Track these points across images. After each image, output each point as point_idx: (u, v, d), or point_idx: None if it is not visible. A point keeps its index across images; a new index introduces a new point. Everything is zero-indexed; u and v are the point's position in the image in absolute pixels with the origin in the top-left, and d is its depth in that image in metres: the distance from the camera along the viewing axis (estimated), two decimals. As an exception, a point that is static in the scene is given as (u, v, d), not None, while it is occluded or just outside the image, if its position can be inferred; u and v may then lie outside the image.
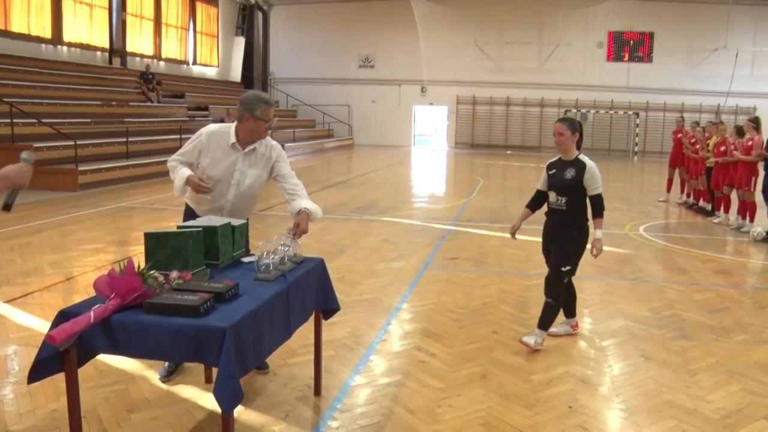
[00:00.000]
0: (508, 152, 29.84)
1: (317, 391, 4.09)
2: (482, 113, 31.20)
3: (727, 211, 11.15)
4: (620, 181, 19.54)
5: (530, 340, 4.91)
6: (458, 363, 4.66)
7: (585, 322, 5.72)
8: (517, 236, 5.43)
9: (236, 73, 31.54)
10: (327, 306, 4.04)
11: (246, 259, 3.79)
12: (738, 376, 4.53)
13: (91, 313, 2.68)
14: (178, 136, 18.95)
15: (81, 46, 21.13)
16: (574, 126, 4.92)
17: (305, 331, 4.59)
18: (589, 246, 4.95)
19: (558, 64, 29.79)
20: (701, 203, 12.64)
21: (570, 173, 4.89)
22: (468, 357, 4.78)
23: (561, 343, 5.11)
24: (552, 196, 5.04)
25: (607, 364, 4.75)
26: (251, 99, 4.10)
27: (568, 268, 4.93)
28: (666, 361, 4.78)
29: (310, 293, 3.75)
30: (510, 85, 30.34)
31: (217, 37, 29.96)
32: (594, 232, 4.90)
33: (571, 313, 5.34)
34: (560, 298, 4.98)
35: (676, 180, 14.02)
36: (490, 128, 31.06)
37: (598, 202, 4.89)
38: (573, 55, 29.52)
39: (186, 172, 4.12)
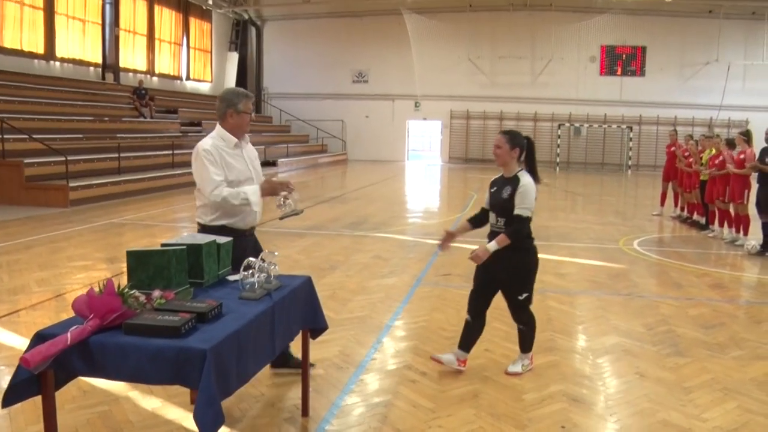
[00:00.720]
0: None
1: (305, 411, 4.00)
2: (476, 128, 31.25)
3: (722, 224, 11.12)
4: (614, 195, 19.56)
5: (516, 368, 4.75)
6: (449, 382, 4.59)
7: (578, 339, 5.65)
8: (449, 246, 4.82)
9: (230, 89, 31.57)
10: (314, 325, 3.97)
11: (232, 278, 3.72)
12: (734, 394, 4.46)
13: (68, 335, 2.61)
14: (170, 152, 18.93)
15: (74, 61, 21.15)
16: (515, 140, 4.50)
17: (293, 351, 4.53)
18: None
19: (551, 78, 29.90)
20: (695, 217, 12.61)
21: (507, 192, 4.45)
22: (459, 376, 4.70)
23: (554, 362, 5.04)
24: (492, 217, 4.61)
25: (601, 382, 4.68)
26: (231, 95, 4.22)
27: (525, 295, 4.61)
28: (661, 379, 4.71)
29: (296, 312, 3.68)
30: (503, 100, 30.42)
31: (211, 52, 30.02)
32: (489, 244, 4.42)
33: (466, 345, 4.77)
34: (531, 321, 4.75)
35: (670, 194, 14.01)
36: (484, 142, 31.06)
37: (518, 225, 4.38)
38: (566, 69, 29.65)
39: (253, 187, 4.14)
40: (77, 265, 8.14)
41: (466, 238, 10.16)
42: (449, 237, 4.73)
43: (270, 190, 4.16)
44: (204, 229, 4.23)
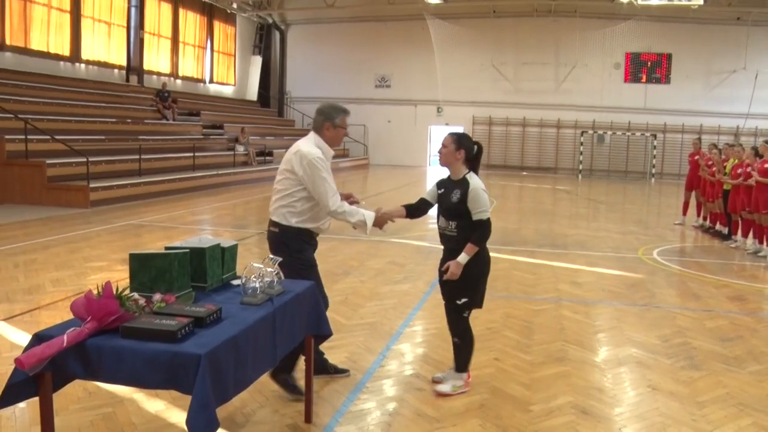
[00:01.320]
0: (524, 173, 29.67)
1: (308, 418, 3.96)
2: (498, 134, 31.09)
3: (745, 235, 10.91)
4: (636, 204, 19.34)
5: (446, 387, 4.45)
6: (456, 391, 4.52)
7: (591, 349, 5.55)
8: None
9: (252, 92, 31.76)
10: (318, 332, 3.95)
11: (236, 282, 3.72)
12: (749, 410, 4.35)
13: (65, 337, 2.61)
14: (191, 154, 19.07)
15: (99, 63, 21.38)
16: (461, 142, 4.36)
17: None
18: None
19: (575, 85, 29.65)
20: (717, 227, 12.40)
21: (456, 195, 4.32)
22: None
23: (565, 372, 4.95)
24: (442, 221, 4.45)
25: (612, 394, 4.58)
26: (330, 109, 4.34)
27: (464, 300, 4.37)
28: (674, 392, 4.61)
29: (299, 318, 3.66)
30: (526, 106, 30.23)
31: (234, 55, 30.22)
32: (460, 256, 4.25)
33: (463, 366, 4.55)
34: (467, 335, 4.48)
35: (693, 203, 13.80)
36: (506, 149, 30.92)
37: (480, 231, 4.25)
38: (590, 75, 29.39)
39: (370, 213, 4.27)
40: (93, 266, 8.20)
41: (494, 249, 10.11)
42: (385, 217, 4.41)
43: (382, 222, 4.34)
44: (282, 230, 4.23)
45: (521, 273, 8.41)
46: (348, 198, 4.40)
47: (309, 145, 4.27)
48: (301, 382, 4.23)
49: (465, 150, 4.38)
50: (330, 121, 4.29)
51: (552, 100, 29.96)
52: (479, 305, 4.47)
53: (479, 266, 4.36)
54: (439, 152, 4.43)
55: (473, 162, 4.45)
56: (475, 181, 4.32)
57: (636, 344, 5.68)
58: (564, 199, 20.15)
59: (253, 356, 3.07)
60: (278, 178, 4.33)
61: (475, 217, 4.26)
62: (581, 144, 29.28)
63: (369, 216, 4.27)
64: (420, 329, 5.99)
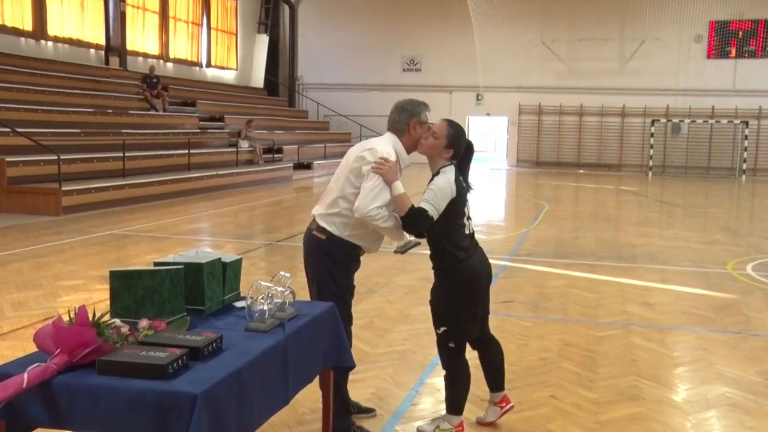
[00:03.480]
0: (581, 171, 29.48)
1: (327, 469, 3.91)
2: (550, 125, 30.94)
3: None
4: (723, 207, 19.10)
5: (428, 429, 4.39)
6: (506, 436, 4.45)
7: (671, 387, 5.43)
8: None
9: (258, 78, 32.00)
10: (338, 363, 3.93)
11: (239, 304, 3.71)
12: None
13: (25, 376, 2.56)
14: (185, 151, 19.18)
15: (70, 41, 21.45)
16: (455, 143, 4.27)
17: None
18: None
19: (644, 64, 29.42)
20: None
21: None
22: (517, 428, 4.56)
23: (639, 415, 4.83)
24: None
25: (700, 442, 4.46)
26: (413, 105, 4.30)
27: (442, 329, 4.31)
28: (778, 441, 4.47)
29: (316, 348, 3.65)
30: (583, 91, 30.06)
31: (236, 34, 30.48)
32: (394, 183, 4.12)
33: (495, 384, 4.61)
34: (455, 372, 4.37)
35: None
36: (560, 143, 30.74)
37: (411, 216, 4.10)
38: (663, 52, 29.10)
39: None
40: (65, 285, 8.20)
41: (535, 259, 10.03)
42: None
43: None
44: (332, 240, 4.22)
45: (580, 291, 8.30)
46: None
47: (385, 144, 4.27)
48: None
49: (454, 152, 4.31)
50: (416, 116, 4.26)
51: (615, 82, 29.75)
52: (465, 336, 4.38)
53: (454, 288, 4.25)
54: (425, 139, 4.31)
55: (461, 163, 4.39)
56: (447, 175, 4.22)
57: (729, 381, 5.53)
58: (631, 201, 19.93)
59: (261, 394, 3.04)
60: (337, 176, 4.33)
61: (419, 204, 4.14)
62: (652, 135, 29.00)
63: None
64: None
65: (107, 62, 22.77)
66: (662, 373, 5.68)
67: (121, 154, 16.57)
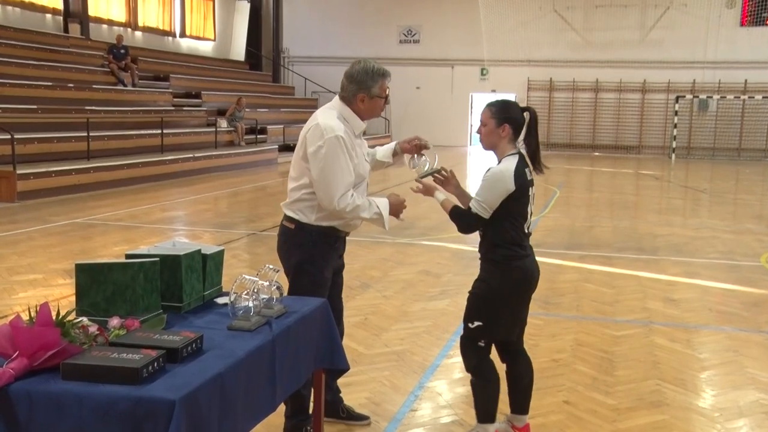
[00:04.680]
0: (597, 154, 29.54)
1: (317, 482, 3.93)
2: (562, 102, 30.99)
3: None
4: (755, 193, 19.17)
5: None
6: (516, 446, 4.47)
7: (698, 392, 5.46)
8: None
9: (239, 50, 31.98)
10: (331, 365, 3.95)
11: (221, 300, 3.73)
12: None
13: (-23, 382, 2.55)
14: (158, 131, 19.16)
15: (22, 4, 21.33)
16: (505, 113, 4.30)
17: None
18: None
19: (668, 34, 29.43)
20: None
21: None
22: (529, 438, 4.57)
23: (663, 423, 4.86)
24: None
25: (731, 453, 4.50)
26: (363, 75, 4.27)
27: (477, 324, 4.27)
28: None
29: (306, 348, 3.66)
30: (600, 64, 30.11)
31: (213, 1, 30.38)
32: (437, 191, 4.35)
33: (519, 407, 4.54)
34: (481, 369, 4.36)
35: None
36: (573, 122, 30.80)
37: (461, 216, 4.24)
38: (690, 20, 29.09)
39: (383, 200, 4.34)
40: (22, 280, 8.19)
41: (545, 250, 10.03)
42: (400, 198, 4.50)
43: (398, 208, 4.39)
44: (299, 227, 4.26)
45: (596, 286, 8.33)
46: (411, 143, 4.58)
47: (330, 117, 4.25)
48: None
49: (510, 124, 4.26)
50: (366, 91, 4.27)
51: (635, 55, 29.78)
52: (499, 336, 4.37)
53: (503, 283, 4.22)
54: (479, 132, 4.35)
55: (528, 137, 4.37)
56: (505, 164, 4.21)
57: (763, 387, 5.56)
58: (652, 187, 20.01)
59: (246, 400, 3.04)
60: (293, 162, 4.36)
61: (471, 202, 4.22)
62: (676, 113, 29.06)
63: (383, 205, 4.30)
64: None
65: (66, 29, 22.58)
66: (688, 377, 5.70)
67: (85, 134, 16.53)
